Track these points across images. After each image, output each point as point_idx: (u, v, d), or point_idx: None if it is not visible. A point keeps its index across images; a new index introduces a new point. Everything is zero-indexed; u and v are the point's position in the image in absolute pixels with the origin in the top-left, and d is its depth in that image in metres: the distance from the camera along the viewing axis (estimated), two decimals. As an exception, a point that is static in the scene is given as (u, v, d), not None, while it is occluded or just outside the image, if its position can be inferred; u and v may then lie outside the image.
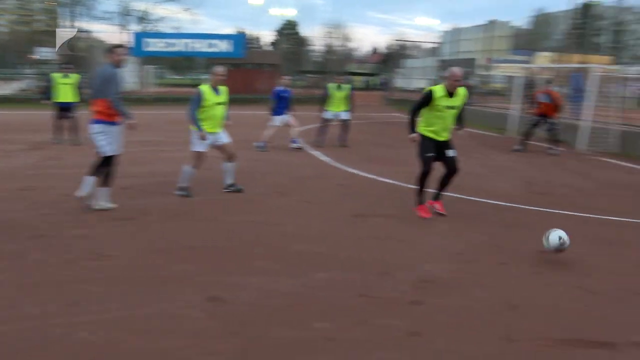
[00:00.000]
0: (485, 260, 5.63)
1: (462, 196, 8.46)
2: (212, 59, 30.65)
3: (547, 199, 8.67)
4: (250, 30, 73.52)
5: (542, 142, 14.47)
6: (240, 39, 33.77)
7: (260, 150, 12.38)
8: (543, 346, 3.87)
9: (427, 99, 6.96)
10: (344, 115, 13.39)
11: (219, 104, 7.73)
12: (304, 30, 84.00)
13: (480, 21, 24.54)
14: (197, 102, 7.55)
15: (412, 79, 31.26)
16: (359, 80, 52.24)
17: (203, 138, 7.60)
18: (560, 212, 7.79)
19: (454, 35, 25.66)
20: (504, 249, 6.02)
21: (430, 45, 31.49)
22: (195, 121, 7.57)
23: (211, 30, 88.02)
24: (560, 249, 5.61)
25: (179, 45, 31.36)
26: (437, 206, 7.43)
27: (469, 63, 35.28)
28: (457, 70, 7.02)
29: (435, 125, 7.08)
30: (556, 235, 5.62)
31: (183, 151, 10.34)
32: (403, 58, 36.39)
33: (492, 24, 23.39)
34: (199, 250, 5.61)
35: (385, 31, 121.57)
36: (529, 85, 19.56)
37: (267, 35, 78.59)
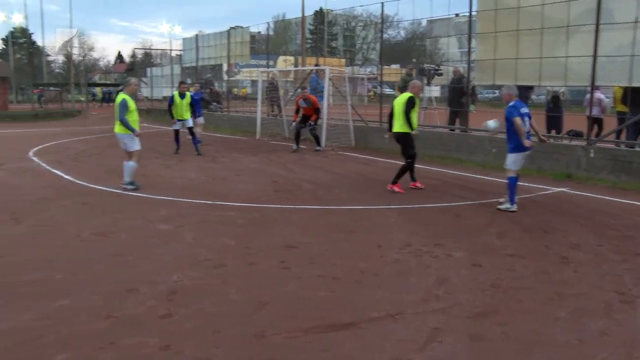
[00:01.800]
0: (233, 263, 5.73)
1: (208, 202, 8.55)
2: None
3: (290, 195, 9.18)
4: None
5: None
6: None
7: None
8: (293, 337, 4.06)
9: (414, 104, 9.29)
10: (189, 123, 14.34)
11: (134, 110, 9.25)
12: (40, 39, 77.08)
13: (222, 28, 25.00)
14: (125, 109, 8.96)
15: (157, 87, 30.66)
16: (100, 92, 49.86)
17: (139, 135, 9.19)
18: (301, 206, 8.30)
19: (196, 42, 25.73)
20: (251, 249, 6.19)
21: (174, 53, 31.10)
22: (128, 125, 8.99)
23: None
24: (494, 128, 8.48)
25: None
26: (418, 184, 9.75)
27: (216, 69, 35.77)
28: (419, 82, 10.00)
29: (415, 122, 9.54)
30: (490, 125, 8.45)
31: None
32: (149, 66, 35.41)
33: (232, 30, 23.97)
34: None
35: (129, 39, 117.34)
36: (272, 88, 20.50)
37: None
